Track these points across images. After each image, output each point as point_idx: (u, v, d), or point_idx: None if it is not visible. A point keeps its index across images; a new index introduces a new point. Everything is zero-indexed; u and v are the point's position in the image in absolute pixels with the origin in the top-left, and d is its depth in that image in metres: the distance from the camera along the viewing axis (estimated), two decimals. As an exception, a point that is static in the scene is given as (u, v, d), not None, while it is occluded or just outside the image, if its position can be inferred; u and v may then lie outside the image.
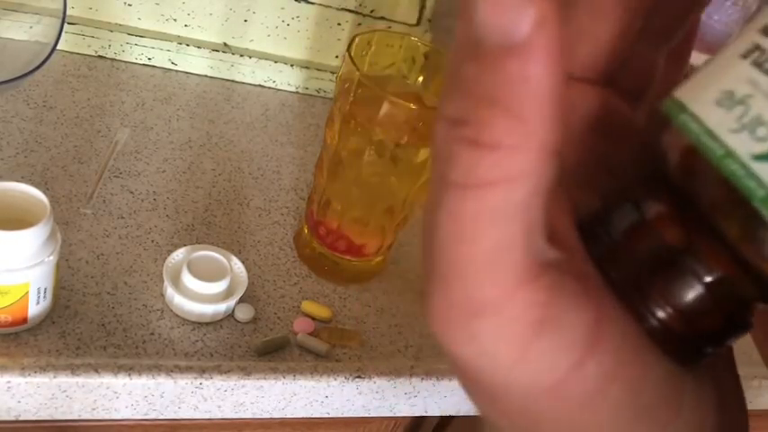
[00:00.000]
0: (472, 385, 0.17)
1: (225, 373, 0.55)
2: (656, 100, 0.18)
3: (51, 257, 0.51)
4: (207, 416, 0.58)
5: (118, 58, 0.79)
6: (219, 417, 0.58)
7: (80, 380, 0.52)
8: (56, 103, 0.72)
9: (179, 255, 0.60)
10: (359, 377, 0.59)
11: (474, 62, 0.14)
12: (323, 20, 0.82)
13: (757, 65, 0.15)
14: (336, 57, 0.85)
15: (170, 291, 0.57)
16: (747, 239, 0.15)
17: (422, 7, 0.84)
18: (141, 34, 0.79)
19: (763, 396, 0.75)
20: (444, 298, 0.15)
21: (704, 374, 0.19)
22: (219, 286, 0.58)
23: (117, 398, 0.54)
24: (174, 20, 0.79)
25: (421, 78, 0.63)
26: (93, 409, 0.54)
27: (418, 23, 0.85)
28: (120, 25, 0.79)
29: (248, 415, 0.59)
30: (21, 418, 0.53)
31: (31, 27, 0.69)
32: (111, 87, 0.76)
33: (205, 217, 0.67)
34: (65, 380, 0.52)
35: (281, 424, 0.65)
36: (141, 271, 0.60)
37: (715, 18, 1.33)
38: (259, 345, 0.57)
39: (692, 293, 0.17)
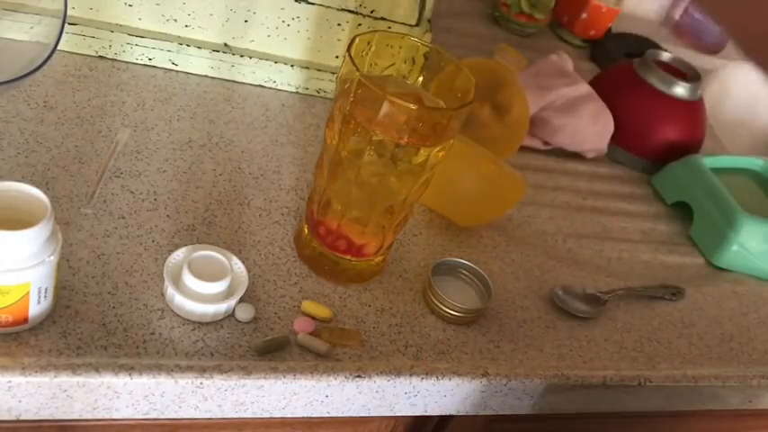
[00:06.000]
0: None
1: (225, 372, 0.55)
2: None
3: (52, 257, 0.51)
4: (207, 415, 0.58)
5: (118, 58, 0.79)
6: (220, 416, 0.58)
7: (81, 379, 0.52)
8: (56, 104, 0.72)
9: (179, 255, 0.60)
10: (359, 377, 0.59)
11: None
12: (323, 20, 0.82)
13: None
14: (336, 57, 0.85)
15: (170, 290, 0.57)
16: None
17: (422, 7, 0.84)
18: (142, 35, 0.79)
19: (763, 396, 0.75)
20: None
21: None
22: (220, 286, 0.58)
23: (118, 397, 0.54)
24: (175, 20, 0.79)
25: (421, 78, 0.63)
26: (94, 409, 0.55)
27: (418, 24, 0.85)
28: (121, 26, 0.79)
29: (249, 414, 0.59)
30: (21, 418, 0.53)
31: (31, 27, 0.69)
32: (112, 88, 0.76)
33: (206, 217, 0.67)
34: (65, 379, 0.52)
35: (281, 423, 0.65)
36: (142, 271, 0.60)
37: (715, 18, 1.33)
38: (259, 344, 0.58)
39: None
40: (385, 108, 0.55)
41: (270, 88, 0.84)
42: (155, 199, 0.67)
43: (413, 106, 0.55)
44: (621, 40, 1.22)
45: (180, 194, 0.68)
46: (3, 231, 0.48)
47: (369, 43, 0.60)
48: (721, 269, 0.86)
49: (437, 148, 0.58)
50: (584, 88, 0.93)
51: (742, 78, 1.35)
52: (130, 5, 0.78)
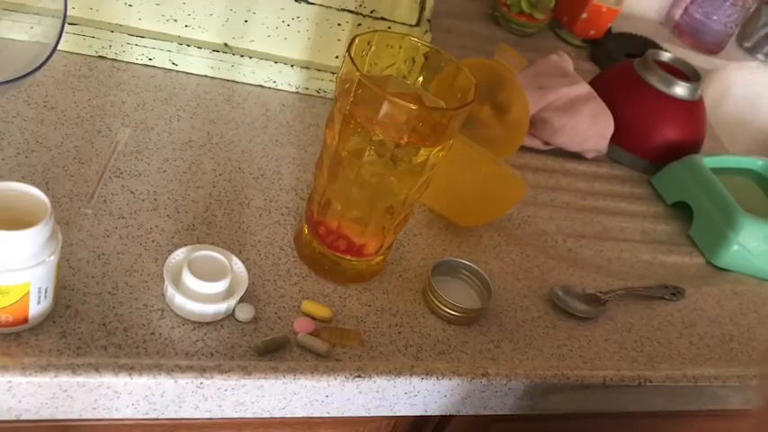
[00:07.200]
0: None
1: (225, 372, 0.55)
2: None
3: (52, 257, 0.51)
4: (207, 415, 0.58)
5: (118, 58, 0.80)
6: (220, 416, 0.58)
7: (81, 379, 0.52)
8: (57, 104, 0.72)
9: (180, 254, 0.60)
10: (359, 377, 0.59)
11: None
12: (323, 20, 0.82)
13: None
14: (336, 57, 0.85)
15: (171, 290, 0.57)
16: None
17: (422, 7, 0.84)
18: (142, 35, 0.79)
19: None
20: None
21: None
22: (220, 286, 0.58)
23: (118, 397, 0.54)
24: (175, 20, 0.79)
25: (421, 78, 0.63)
26: (94, 409, 0.55)
27: (418, 24, 0.85)
28: (121, 26, 0.79)
29: (249, 414, 0.59)
30: (22, 418, 0.54)
31: (31, 27, 0.69)
32: (112, 88, 0.76)
33: (206, 217, 0.67)
34: (66, 379, 0.52)
35: (281, 423, 0.65)
36: (142, 271, 0.60)
37: (714, 18, 1.33)
38: (259, 344, 0.58)
39: None
40: (385, 108, 0.55)
41: (270, 88, 0.84)
42: (155, 199, 0.67)
43: (413, 106, 0.55)
44: (621, 40, 1.22)
45: (180, 194, 0.68)
46: (3, 231, 0.48)
47: (369, 43, 0.60)
48: (721, 269, 0.86)
49: (437, 148, 0.59)
50: (584, 88, 0.93)
51: (742, 78, 1.35)
52: (130, 5, 0.78)
